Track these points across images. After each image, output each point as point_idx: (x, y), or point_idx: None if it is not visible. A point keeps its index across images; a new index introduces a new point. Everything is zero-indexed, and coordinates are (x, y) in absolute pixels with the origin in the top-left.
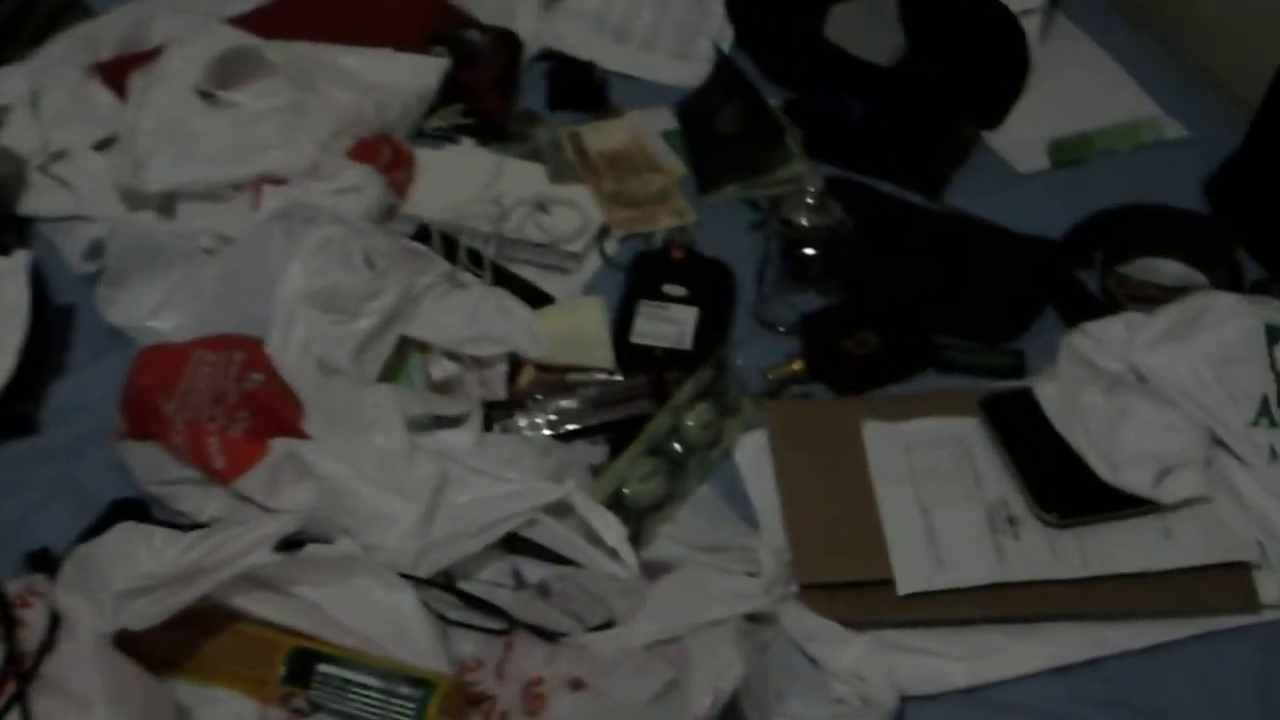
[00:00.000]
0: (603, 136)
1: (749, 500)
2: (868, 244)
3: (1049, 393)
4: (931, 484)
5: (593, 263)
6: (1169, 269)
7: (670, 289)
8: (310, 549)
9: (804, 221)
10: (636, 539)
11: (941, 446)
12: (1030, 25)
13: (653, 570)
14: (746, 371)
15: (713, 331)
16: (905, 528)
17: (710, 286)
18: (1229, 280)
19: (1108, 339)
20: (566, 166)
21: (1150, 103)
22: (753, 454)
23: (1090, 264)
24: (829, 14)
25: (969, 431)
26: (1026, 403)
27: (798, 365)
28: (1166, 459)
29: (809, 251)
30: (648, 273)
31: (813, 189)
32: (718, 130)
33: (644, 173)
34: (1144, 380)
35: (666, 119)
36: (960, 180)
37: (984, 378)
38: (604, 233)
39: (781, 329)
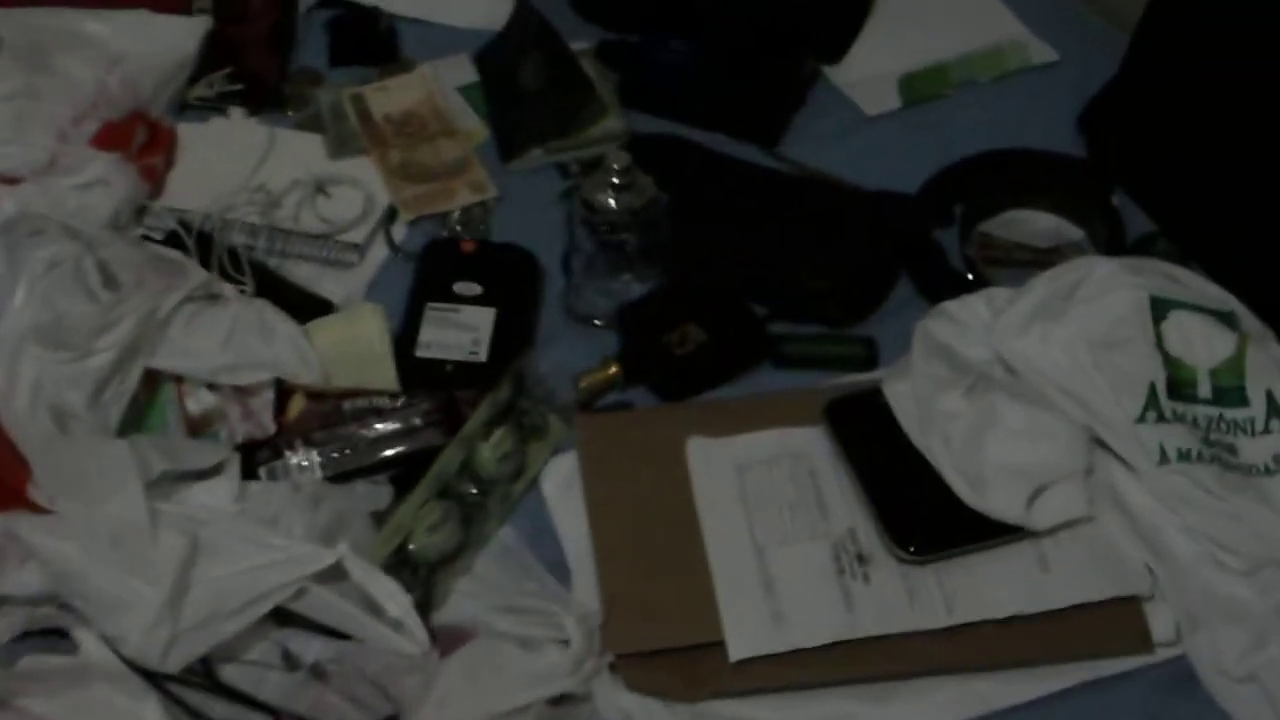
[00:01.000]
0: (390, 96)
1: (560, 541)
2: (690, 216)
3: (901, 394)
4: (768, 515)
5: (379, 254)
6: (1040, 223)
7: (462, 288)
8: (26, 661)
9: (610, 203)
10: (427, 602)
11: (779, 466)
12: None
13: (446, 638)
14: (557, 377)
15: (513, 336)
16: (737, 574)
17: (509, 281)
18: (1108, 234)
19: (969, 321)
20: (349, 136)
21: (1015, 23)
22: (562, 482)
23: (951, 222)
24: None
25: (812, 444)
26: (875, 407)
27: (613, 370)
28: (1039, 474)
29: (618, 237)
30: (435, 269)
31: (617, 165)
32: (520, 84)
33: (438, 138)
34: (1013, 372)
35: (466, 71)
36: (799, 126)
37: (831, 371)
38: (391, 216)
39: (598, 322)
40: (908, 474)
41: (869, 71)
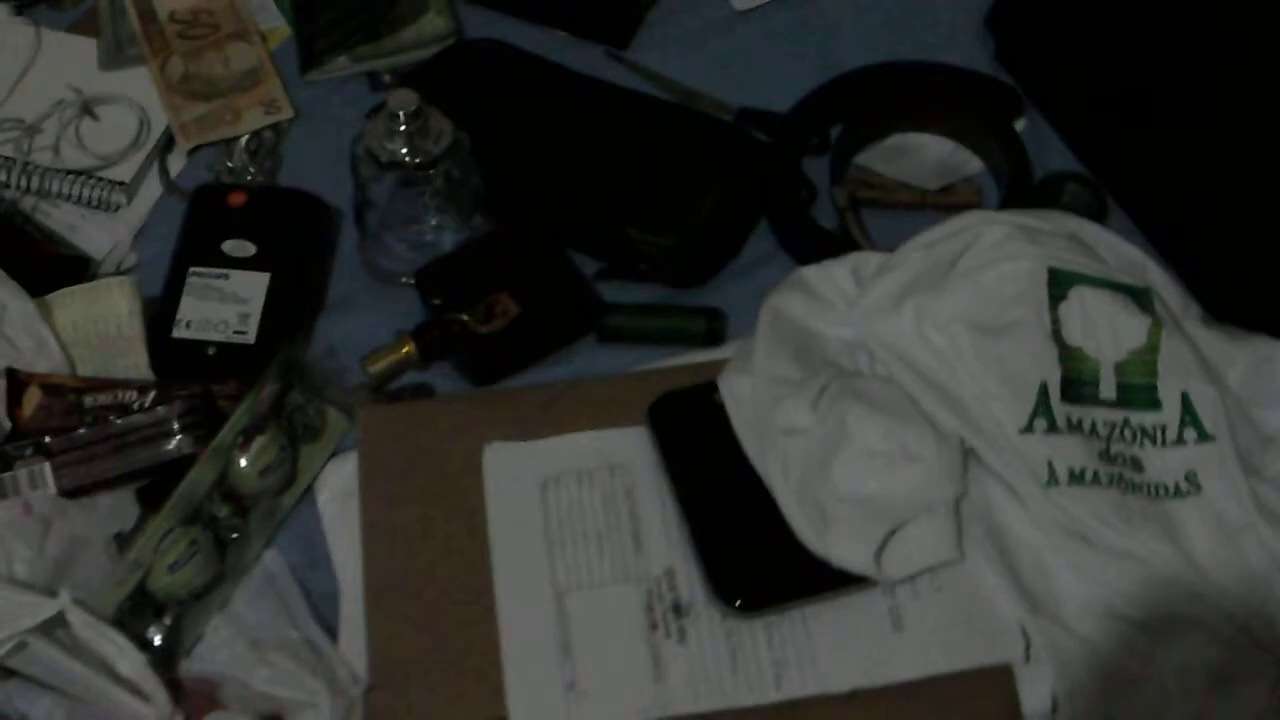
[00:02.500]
0: None
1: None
2: (505, 151)
3: (739, 394)
4: (574, 548)
5: (153, 191)
6: (931, 152)
7: (233, 247)
8: None
9: (400, 153)
10: (173, 647)
11: (593, 480)
12: None
13: (197, 692)
14: (351, 351)
15: (291, 308)
16: (530, 629)
17: (291, 236)
18: (1009, 169)
19: (829, 294)
20: (126, 40)
21: None
22: (340, 492)
23: (827, 149)
24: None
25: (635, 451)
26: (709, 408)
27: (407, 349)
28: (896, 508)
29: (414, 188)
30: (201, 223)
31: (402, 110)
32: None
33: (229, 42)
34: (891, 354)
35: None
36: (657, 22)
37: (671, 347)
38: (169, 144)
39: (405, 280)
40: (740, 502)
41: None
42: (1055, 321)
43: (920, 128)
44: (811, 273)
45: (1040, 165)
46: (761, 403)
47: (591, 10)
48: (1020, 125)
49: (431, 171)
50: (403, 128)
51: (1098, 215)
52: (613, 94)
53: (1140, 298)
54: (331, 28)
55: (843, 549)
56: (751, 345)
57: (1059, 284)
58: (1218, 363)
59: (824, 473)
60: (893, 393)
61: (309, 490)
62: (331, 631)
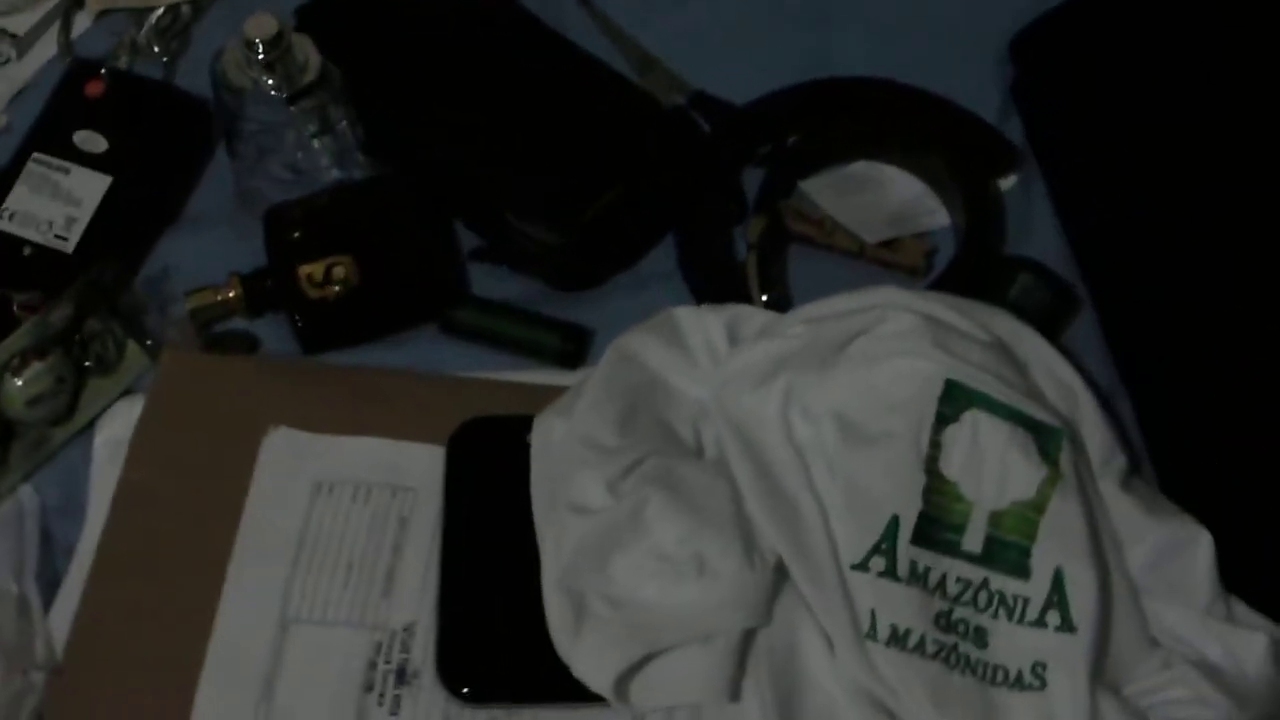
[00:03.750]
0: None
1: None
2: (404, 90)
3: (549, 441)
4: (318, 572)
5: (46, 51)
6: (893, 192)
7: (85, 139)
8: None
9: (265, 84)
10: None
11: (367, 498)
12: None
13: None
14: (185, 278)
15: (126, 219)
16: (242, 651)
17: (151, 139)
18: (968, 235)
19: (696, 346)
20: None
21: None
22: (120, 437)
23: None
24: None
25: (422, 475)
26: (514, 448)
27: (233, 294)
28: (666, 628)
29: (270, 121)
30: (62, 105)
31: (260, 38)
32: None
33: None
34: (730, 431)
35: None
36: None
37: (522, 356)
38: (77, 1)
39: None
40: (508, 571)
41: None
42: (935, 446)
43: (890, 161)
44: (684, 315)
45: (1019, 238)
46: (561, 463)
47: None
48: (1010, 183)
49: (293, 108)
50: (260, 57)
51: (1053, 316)
52: (546, 46)
53: (1047, 440)
54: None
55: (588, 660)
56: (580, 386)
57: (954, 401)
58: (1124, 536)
59: (599, 564)
60: (713, 487)
61: (91, 426)
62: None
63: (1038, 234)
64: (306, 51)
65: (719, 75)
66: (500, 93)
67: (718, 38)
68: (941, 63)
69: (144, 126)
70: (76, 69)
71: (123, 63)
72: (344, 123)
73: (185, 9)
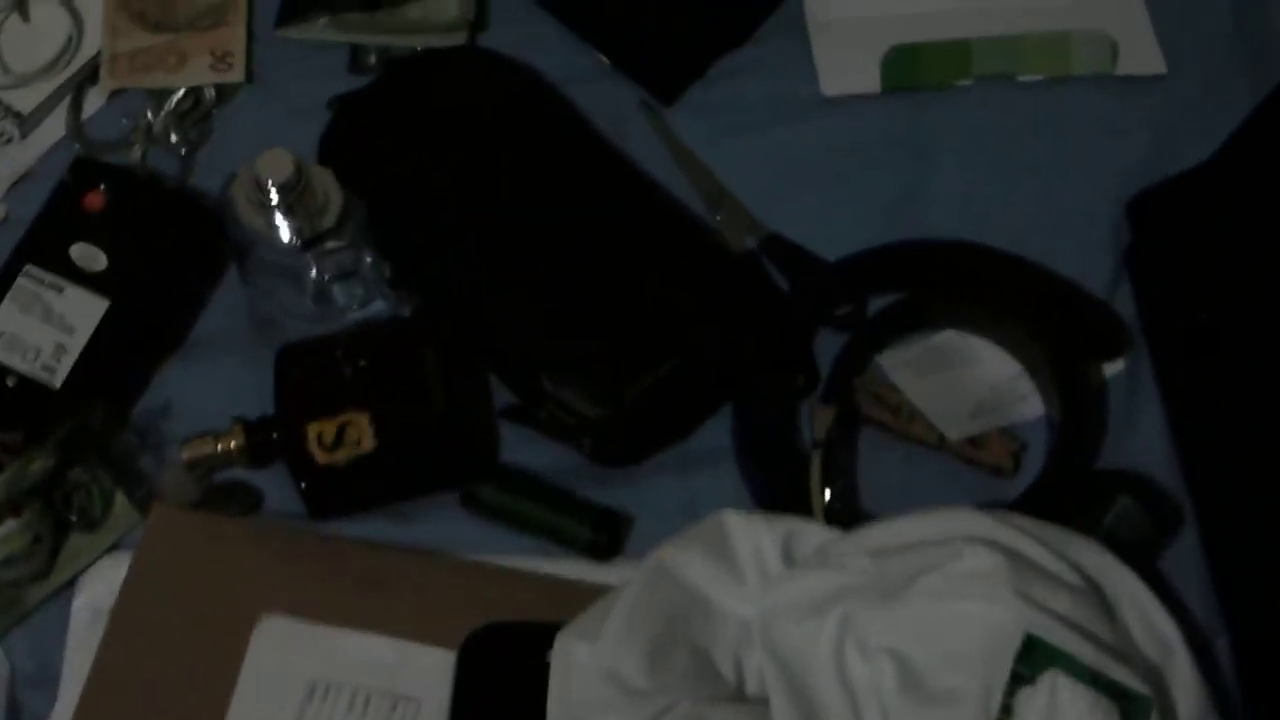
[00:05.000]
0: None
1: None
2: (437, 218)
3: (572, 664)
4: None
5: (54, 131)
6: (979, 375)
7: (81, 254)
8: None
9: (274, 230)
10: None
11: (365, 708)
12: None
13: None
14: (188, 415)
15: (124, 351)
16: None
17: (156, 256)
18: (1062, 436)
19: (745, 562)
20: None
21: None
22: (101, 601)
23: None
24: None
25: (430, 685)
26: (532, 665)
27: (234, 443)
28: None
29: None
30: (61, 209)
31: (273, 180)
32: None
33: None
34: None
35: None
36: (718, 82)
37: (550, 542)
38: (92, 76)
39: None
40: None
41: (853, 14)
42: (1006, 711)
43: (981, 334)
44: (735, 524)
45: (1121, 433)
46: (582, 704)
47: (647, 43)
48: (1118, 367)
49: (307, 254)
50: (272, 200)
51: (1150, 541)
52: (600, 165)
53: (1133, 711)
54: None
55: None
56: (611, 604)
57: (1032, 660)
58: None
59: None
60: None
61: (71, 584)
62: None
63: (1143, 430)
64: (327, 190)
65: (796, 213)
66: (543, 226)
67: (798, 170)
68: (1046, 218)
69: (150, 241)
70: (80, 169)
71: (135, 152)
72: (368, 261)
73: (209, 93)
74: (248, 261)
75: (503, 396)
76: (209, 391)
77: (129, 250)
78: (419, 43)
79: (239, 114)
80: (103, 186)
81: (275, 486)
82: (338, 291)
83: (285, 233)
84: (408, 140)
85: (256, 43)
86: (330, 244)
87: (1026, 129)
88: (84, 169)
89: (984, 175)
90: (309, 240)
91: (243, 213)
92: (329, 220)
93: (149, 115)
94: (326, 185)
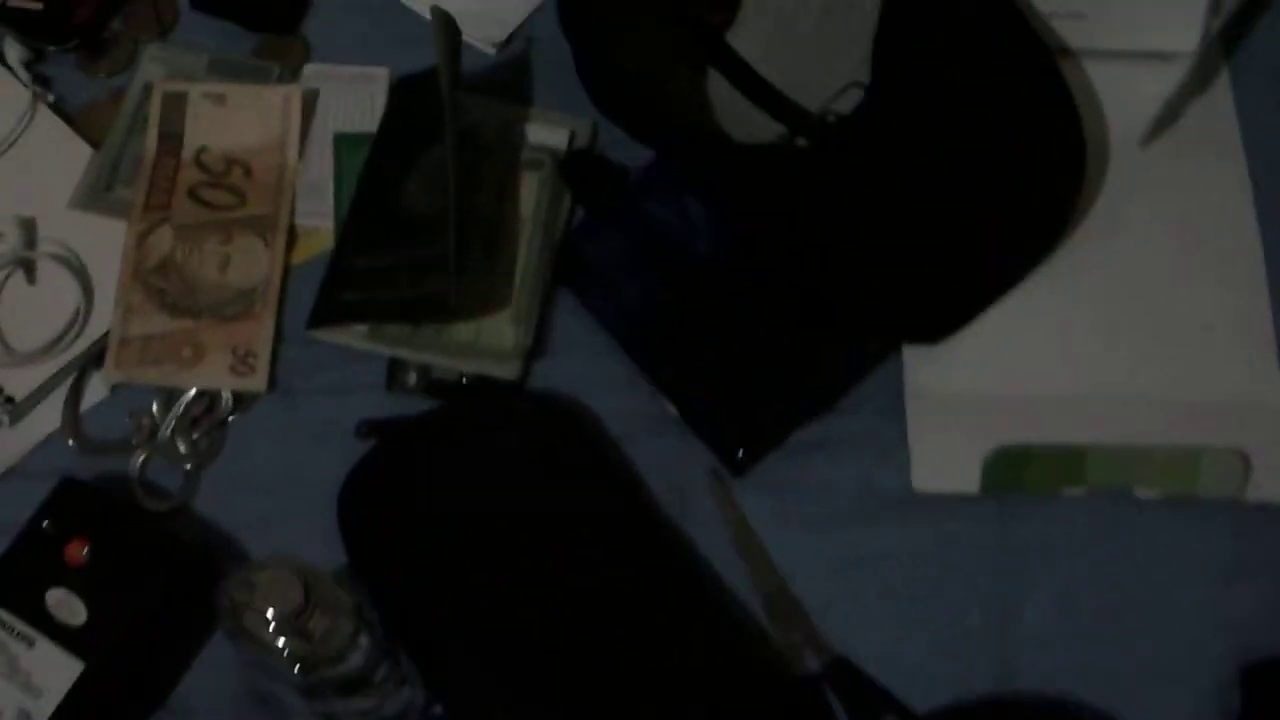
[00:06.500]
0: (224, 120)
1: None
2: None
3: None
4: None
5: (48, 421)
6: None
7: (58, 602)
8: None
9: (275, 644)
10: None
11: None
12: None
13: None
14: None
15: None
16: None
17: (144, 612)
18: None
19: None
20: (125, 168)
21: None
22: None
23: None
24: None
25: None
26: None
27: None
28: None
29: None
30: (40, 542)
31: (276, 608)
32: (401, 194)
33: (241, 233)
34: None
35: (374, 99)
36: (792, 464)
37: None
38: (96, 359)
39: None
40: None
41: (959, 388)
42: None
43: None
44: None
45: None
46: None
47: (723, 400)
48: None
49: (309, 677)
50: (271, 628)
51: None
52: (650, 560)
53: None
54: (370, 278)
55: None
56: None
57: None
58: None
59: None
60: None
61: None
62: None
63: None
64: (339, 605)
65: (865, 629)
66: (571, 632)
67: (874, 576)
68: (1147, 666)
69: (137, 595)
70: (64, 492)
71: (136, 460)
72: (382, 672)
73: (225, 399)
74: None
75: None
76: None
77: (112, 605)
78: (467, 368)
79: (257, 427)
80: (86, 550)
81: None
82: (341, 707)
83: (284, 658)
84: (433, 508)
85: (285, 340)
86: (336, 669)
87: (1135, 555)
88: (72, 490)
89: (1082, 607)
90: (309, 667)
91: (237, 626)
92: (335, 645)
93: (155, 414)
94: (339, 602)
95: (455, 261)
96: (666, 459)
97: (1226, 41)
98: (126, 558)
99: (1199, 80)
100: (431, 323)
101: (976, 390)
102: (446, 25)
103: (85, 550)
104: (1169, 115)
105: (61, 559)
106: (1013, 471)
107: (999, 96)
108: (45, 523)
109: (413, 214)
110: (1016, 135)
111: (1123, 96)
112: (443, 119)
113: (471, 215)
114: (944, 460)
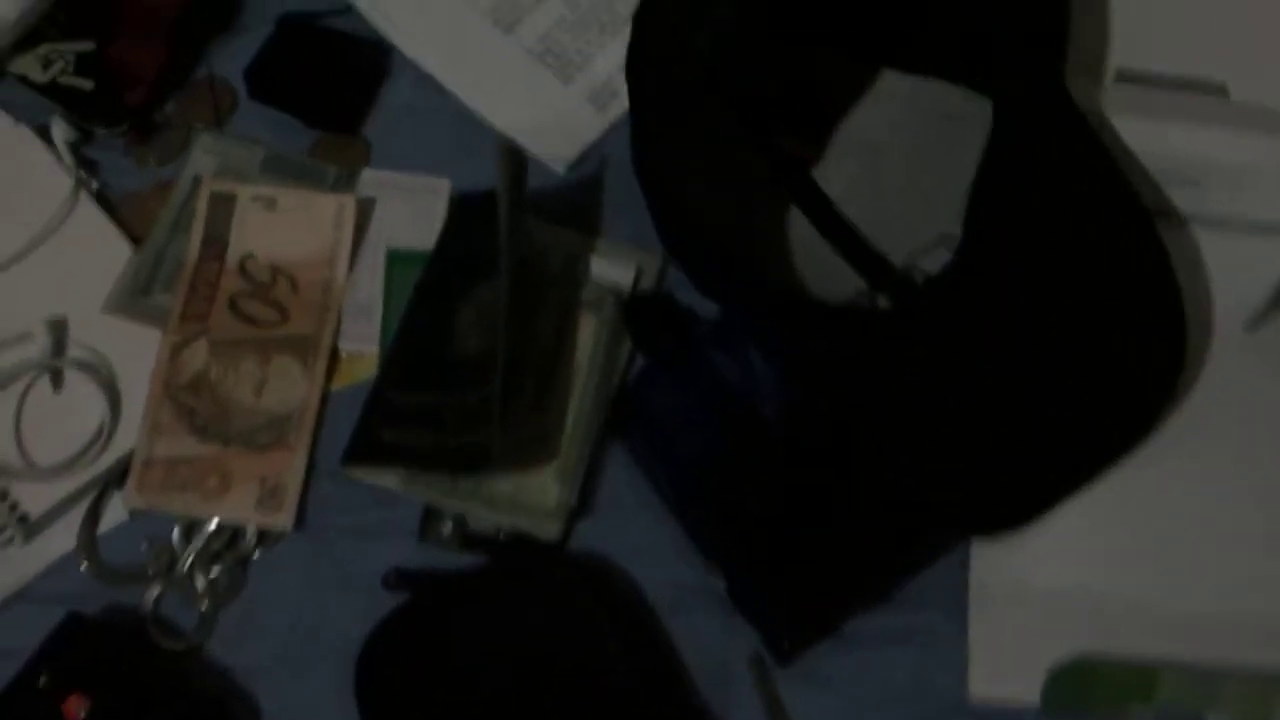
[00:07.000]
0: (273, 225)
1: None
2: None
3: None
4: None
5: (62, 541)
6: None
7: None
8: None
9: None
10: None
11: None
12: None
13: None
14: None
15: None
16: None
17: None
18: None
19: None
20: (166, 272)
21: None
22: None
23: None
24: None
25: None
26: None
27: None
28: None
29: None
30: (29, 713)
31: None
32: (452, 328)
33: (280, 353)
34: None
35: (434, 213)
36: (840, 658)
37: None
38: (118, 479)
39: None
40: None
41: (1032, 583)
42: None
43: None
44: None
45: None
46: None
47: (772, 580)
48: None
49: None
50: None
51: None
52: None
53: None
54: (412, 417)
55: None
56: None
57: None
58: None
59: None
60: None
61: None
62: None
63: None
64: None
65: None
66: None
67: None
68: None
69: None
70: (67, 630)
71: (151, 593)
72: None
73: (249, 537)
74: None
75: None
76: None
77: None
78: (504, 522)
79: (281, 567)
80: (86, 695)
81: None
82: None
83: None
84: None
85: (317, 472)
86: None
87: None
88: (70, 644)
89: None
90: None
91: None
92: None
93: (174, 544)
94: None
95: (501, 412)
96: (710, 645)
97: None
98: (130, 714)
99: None
100: (471, 475)
101: (1047, 590)
102: (510, 155)
103: (85, 710)
104: None
105: (59, 717)
106: (1078, 688)
107: (1096, 270)
108: (42, 679)
109: (462, 349)
110: (1112, 310)
111: (1235, 270)
112: (499, 252)
113: (524, 359)
114: (1006, 666)
